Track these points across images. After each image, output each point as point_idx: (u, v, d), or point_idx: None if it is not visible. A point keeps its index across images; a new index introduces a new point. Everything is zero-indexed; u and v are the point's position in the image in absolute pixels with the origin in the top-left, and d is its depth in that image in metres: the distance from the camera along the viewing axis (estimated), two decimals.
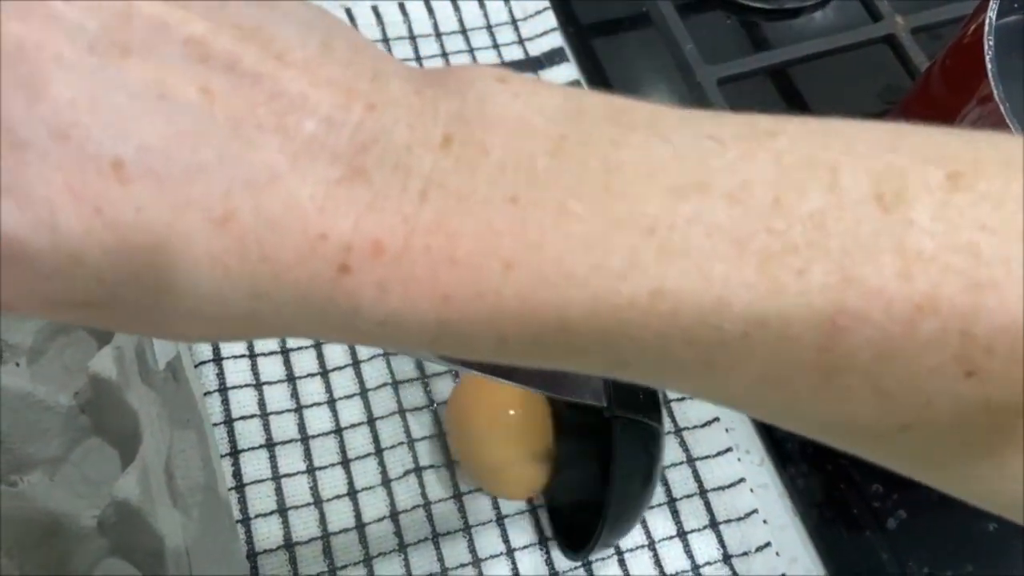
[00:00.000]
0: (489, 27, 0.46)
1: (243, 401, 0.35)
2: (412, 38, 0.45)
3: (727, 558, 0.34)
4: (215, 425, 0.34)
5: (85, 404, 0.34)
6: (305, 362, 0.37)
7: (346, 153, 0.14)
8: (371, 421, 0.36)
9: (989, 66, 0.28)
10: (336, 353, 0.37)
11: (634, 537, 0.34)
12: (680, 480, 0.36)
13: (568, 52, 0.46)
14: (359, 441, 0.35)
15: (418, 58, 0.45)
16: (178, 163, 0.13)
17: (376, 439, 0.35)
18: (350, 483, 0.34)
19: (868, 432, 0.14)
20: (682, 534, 0.35)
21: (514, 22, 0.47)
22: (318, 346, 0.37)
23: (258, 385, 0.36)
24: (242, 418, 0.35)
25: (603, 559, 0.34)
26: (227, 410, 0.35)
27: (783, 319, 0.13)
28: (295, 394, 0.36)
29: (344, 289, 0.14)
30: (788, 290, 0.13)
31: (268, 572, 0.32)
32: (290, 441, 0.35)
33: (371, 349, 0.37)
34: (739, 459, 0.37)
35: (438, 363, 0.26)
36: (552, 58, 0.45)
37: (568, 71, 0.45)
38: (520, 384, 0.28)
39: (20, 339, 0.34)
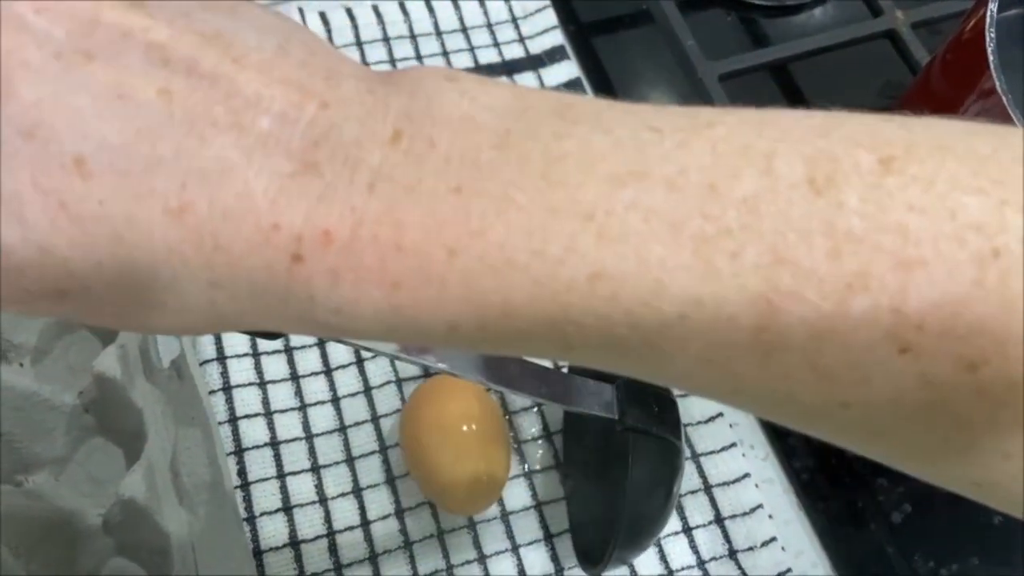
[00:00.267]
0: (489, 25, 0.46)
1: (247, 400, 0.35)
2: (413, 37, 0.46)
3: (732, 553, 0.34)
4: (220, 424, 0.34)
5: (89, 403, 0.34)
6: (309, 361, 0.37)
7: (299, 148, 0.14)
8: (375, 419, 0.36)
9: (991, 58, 0.28)
10: (340, 352, 0.37)
11: None
12: (685, 476, 0.36)
13: (569, 50, 0.46)
14: (363, 439, 0.35)
15: (419, 57, 0.45)
16: (136, 159, 0.14)
17: (380, 436, 0.35)
18: (355, 481, 0.34)
19: (811, 410, 0.15)
20: (687, 530, 0.35)
21: (514, 20, 0.47)
22: (321, 345, 0.37)
23: (262, 384, 0.36)
24: (246, 416, 0.35)
25: None
26: (231, 409, 0.35)
27: (719, 300, 0.14)
28: (299, 392, 0.36)
29: (298, 278, 0.14)
30: (723, 272, 0.14)
31: (274, 570, 0.32)
32: (294, 439, 0.35)
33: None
34: (743, 454, 0.37)
35: (437, 368, 0.26)
36: (553, 56, 0.46)
37: (569, 69, 0.45)
38: (528, 394, 0.28)
39: (24, 339, 0.34)
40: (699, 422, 0.37)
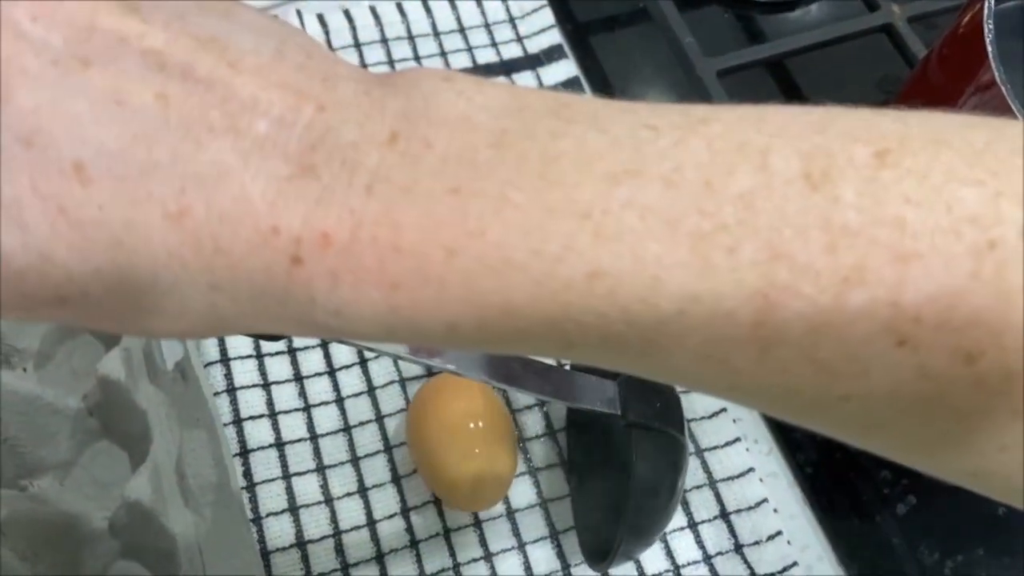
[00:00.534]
0: (487, 25, 0.46)
1: (251, 401, 0.35)
2: (411, 38, 0.46)
3: (738, 548, 0.34)
4: (225, 425, 0.34)
5: (93, 407, 0.34)
6: (312, 362, 0.37)
7: (296, 151, 0.14)
8: (379, 419, 0.36)
9: (990, 49, 0.28)
10: (343, 352, 0.37)
11: None
12: (689, 471, 0.36)
13: (567, 49, 0.46)
14: (368, 439, 0.35)
15: (417, 57, 0.45)
16: (134, 163, 0.14)
17: (385, 436, 0.35)
18: (360, 480, 0.34)
19: (810, 403, 0.15)
20: (693, 525, 0.35)
21: (512, 20, 0.47)
22: (324, 346, 0.37)
23: (266, 385, 0.36)
24: (251, 418, 0.35)
25: None
26: (236, 410, 0.35)
27: (716, 296, 0.14)
28: (303, 393, 0.36)
29: (298, 280, 0.14)
30: (720, 267, 0.14)
31: (281, 570, 0.32)
32: (299, 440, 0.35)
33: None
34: (747, 449, 0.37)
35: (442, 368, 0.26)
36: (551, 55, 0.46)
37: (567, 68, 0.45)
38: (530, 391, 0.28)
39: (27, 344, 0.34)
40: (702, 417, 0.37)
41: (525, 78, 0.45)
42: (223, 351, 0.36)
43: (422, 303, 0.14)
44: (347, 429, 0.35)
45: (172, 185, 0.14)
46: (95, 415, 0.34)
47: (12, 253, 0.14)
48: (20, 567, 0.29)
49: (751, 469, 0.36)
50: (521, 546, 0.34)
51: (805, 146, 0.14)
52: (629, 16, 0.49)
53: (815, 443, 0.37)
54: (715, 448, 0.36)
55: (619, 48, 0.49)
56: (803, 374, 0.14)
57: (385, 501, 0.34)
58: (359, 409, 0.36)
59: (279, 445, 0.34)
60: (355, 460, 0.35)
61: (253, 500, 0.33)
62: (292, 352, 0.37)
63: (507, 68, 0.45)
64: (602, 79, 0.47)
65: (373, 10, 0.46)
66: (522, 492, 0.35)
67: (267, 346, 0.37)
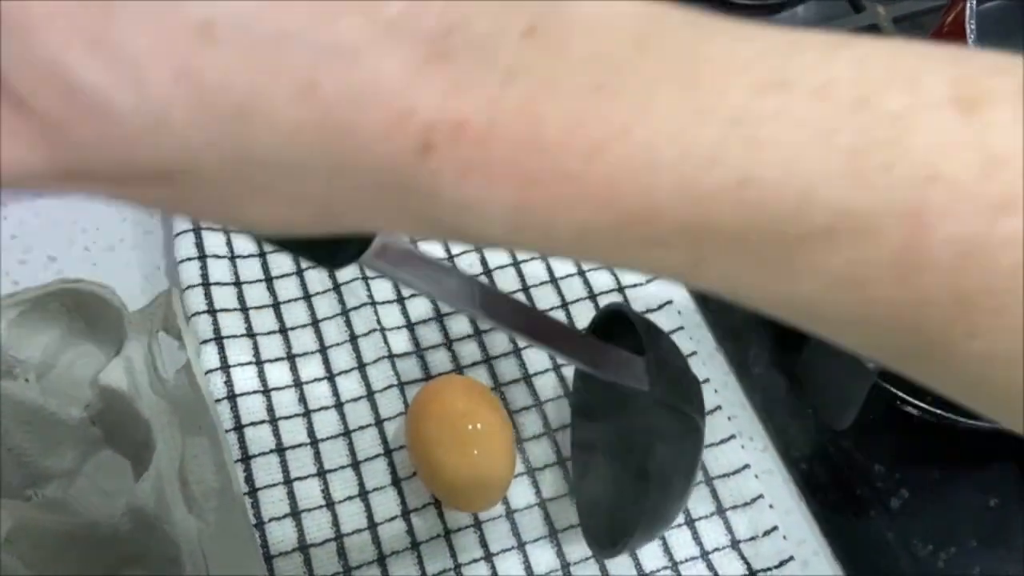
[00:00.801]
0: None
1: (252, 407, 0.35)
2: None
3: (735, 543, 0.35)
4: (226, 432, 0.35)
5: (96, 416, 0.35)
6: (312, 367, 0.37)
7: (429, 36, 0.14)
8: (379, 422, 0.36)
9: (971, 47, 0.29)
10: (342, 358, 0.37)
11: None
12: None
13: None
14: (368, 442, 0.36)
15: None
16: (266, 29, 0.13)
17: (384, 440, 0.36)
18: (361, 484, 0.35)
19: (931, 341, 0.14)
20: (690, 521, 0.35)
21: None
22: (324, 351, 0.37)
23: (266, 391, 0.36)
24: (252, 424, 0.35)
25: None
26: (237, 416, 0.35)
27: (868, 212, 0.13)
28: (303, 399, 0.36)
29: (426, 170, 0.14)
30: (875, 184, 0.13)
31: (284, 574, 0.32)
32: (300, 445, 0.35)
33: (376, 351, 0.37)
34: (743, 446, 0.37)
35: (480, 317, 0.24)
36: None
37: None
38: (563, 355, 0.27)
39: (29, 354, 0.34)
40: None
41: None
42: (223, 358, 0.36)
43: (557, 203, 0.14)
44: (347, 433, 0.36)
45: (303, 57, 0.13)
46: (98, 424, 0.35)
47: (125, 114, 0.13)
48: (26, 575, 0.30)
49: (747, 466, 0.36)
50: (521, 546, 0.34)
51: (953, 72, 0.14)
52: None
53: (809, 440, 0.38)
54: (711, 445, 0.37)
55: None
56: (941, 303, 0.14)
57: (386, 504, 0.34)
58: (359, 413, 0.36)
59: (280, 450, 0.35)
60: (355, 464, 0.35)
61: (255, 505, 0.34)
62: (292, 358, 0.37)
63: None
64: None
65: None
66: (521, 492, 0.35)
67: (267, 352, 0.37)
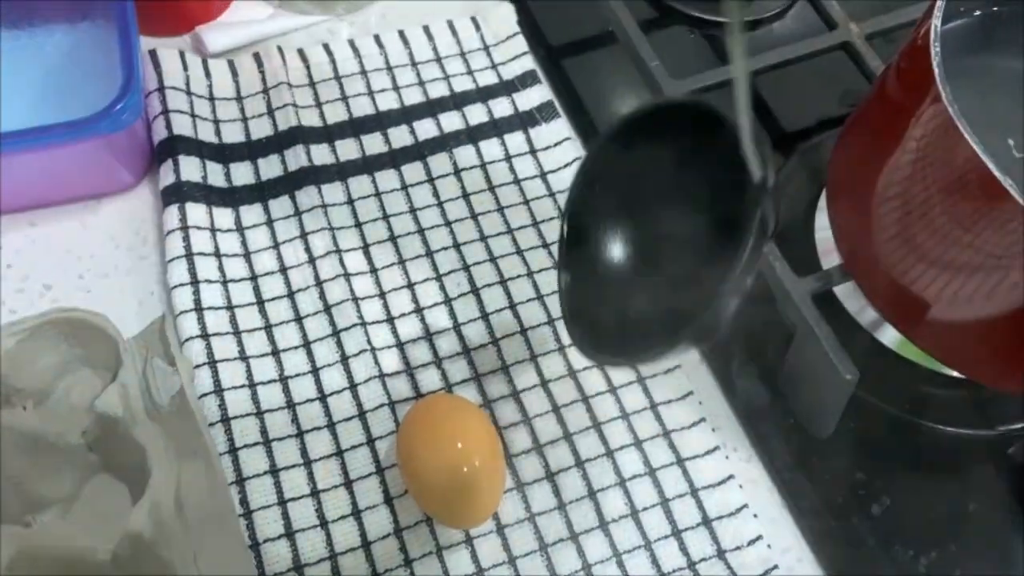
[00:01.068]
0: (463, 54, 0.48)
1: (246, 430, 0.36)
2: (389, 68, 0.47)
3: (721, 553, 0.36)
4: (220, 455, 0.35)
5: (93, 442, 0.35)
6: (304, 388, 0.38)
7: None
8: (371, 441, 0.37)
9: (937, 71, 0.30)
10: (335, 378, 0.38)
11: (631, 538, 0.36)
12: (672, 480, 0.37)
13: (540, 74, 0.48)
14: (360, 461, 0.36)
15: (396, 88, 0.46)
16: None
17: (376, 459, 0.36)
18: (354, 503, 0.35)
19: None
20: (676, 533, 0.36)
21: (486, 48, 0.48)
22: (316, 372, 0.38)
23: (259, 414, 0.37)
24: (246, 446, 0.36)
25: (602, 562, 0.35)
26: (231, 439, 0.36)
27: None
28: (295, 420, 0.37)
29: None
30: None
31: None
32: (293, 466, 0.36)
33: (367, 371, 0.38)
34: (727, 457, 0.38)
35: None
36: (525, 81, 0.47)
37: (541, 92, 0.47)
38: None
39: (27, 383, 0.35)
40: (683, 428, 0.38)
41: (502, 104, 0.46)
42: (217, 381, 0.37)
43: None
44: (340, 453, 0.37)
45: None
46: (95, 450, 0.35)
47: None
48: None
49: (731, 476, 0.37)
50: (512, 560, 0.35)
51: None
52: (599, 39, 0.51)
53: (792, 449, 0.39)
54: (695, 457, 0.38)
55: (591, 70, 0.50)
56: None
57: (379, 522, 0.35)
58: (351, 433, 0.37)
59: (274, 472, 0.36)
60: (348, 483, 0.36)
61: (250, 527, 0.34)
62: (284, 380, 0.38)
63: (484, 95, 0.47)
64: (576, 101, 0.48)
65: (352, 43, 0.47)
66: (511, 507, 0.36)
67: (259, 375, 0.38)
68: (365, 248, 0.42)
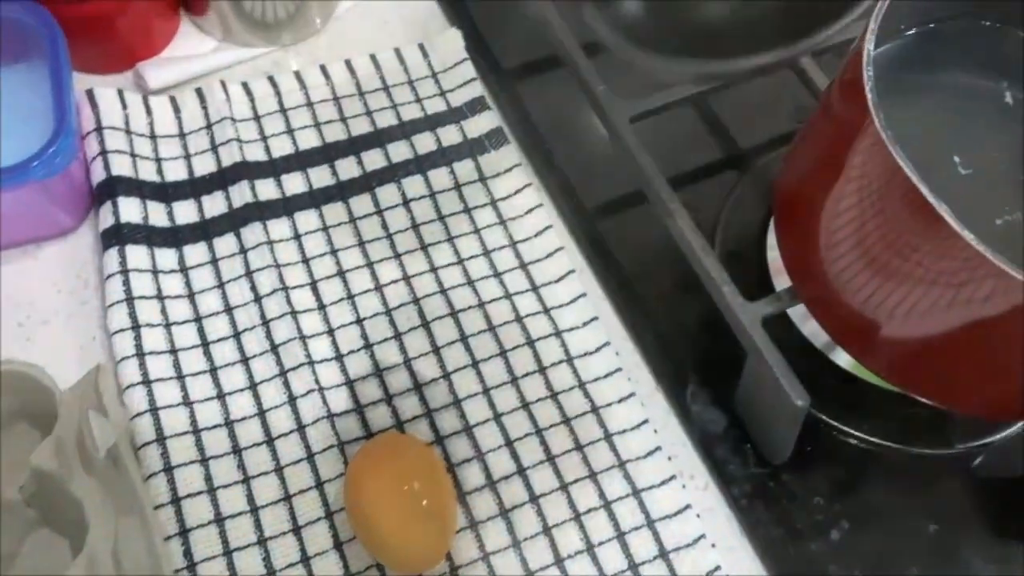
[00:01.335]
0: (411, 82, 0.47)
1: (189, 478, 0.35)
2: (336, 99, 0.46)
3: None
4: (163, 505, 0.35)
5: (30, 497, 0.34)
6: (251, 432, 0.37)
7: None
8: (319, 485, 0.36)
9: (869, 96, 0.29)
10: (282, 420, 0.37)
11: (587, 575, 0.35)
12: (627, 513, 0.36)
13: (489, 100, 0.47)
14: (309, 506, 0.36)
15: (343, 118, 0.46)
16: None
17: (326, 502, 0.36)
18: (302, 550, 0.35)
19: None
20: (633, 567, 0.35)
21: (434, 75, 0.48)
22: (263, 414, 0.37)
23: (203, 461, 0.36)
24: (189, 496, 0.35)
25: None
26: (173, 489, 0.35)
27: None
28: (242, 465, 0.36)
29: None
30: None
31: None
32: (240, 514, 0.35)
33: (315, 411, 0.37)
34: (684, 485, 0.37)
35: None
36: (473, 107, 0.47)
37: (490, 119, 0.46)
38: None
39: None
40: (638, 457, 0.38)
41: (450, 132, 0.46)
42: (159, 430, 0.36)
43: None
44: (287, 498, 0.36)
45: None
46: (33, 505, 0.34)
47: None
48: None
49: (688, 506, 0.37)
50: None
51: None
52: (550, 61, 0.50)
53: (749, 476, 0.38)
54: (651, 488, 0.37)
55: (545, 93, 0.50)
56: None
57: (328, 569, 0.34)
58: (299, 476, 0.36)
59: (219, 521, 0.35)
60: (297, 529, 0.35)
61: None
62: (229, 424, 0.37)
63: (432, 123, 0.46)
64: (530, 125, 0.48)
65: (297, 75, 0.47)
66: (465, 547, 0.35)
67: (204, 419, 0.37)
68: (313, 284, 0.41)
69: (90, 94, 0.43)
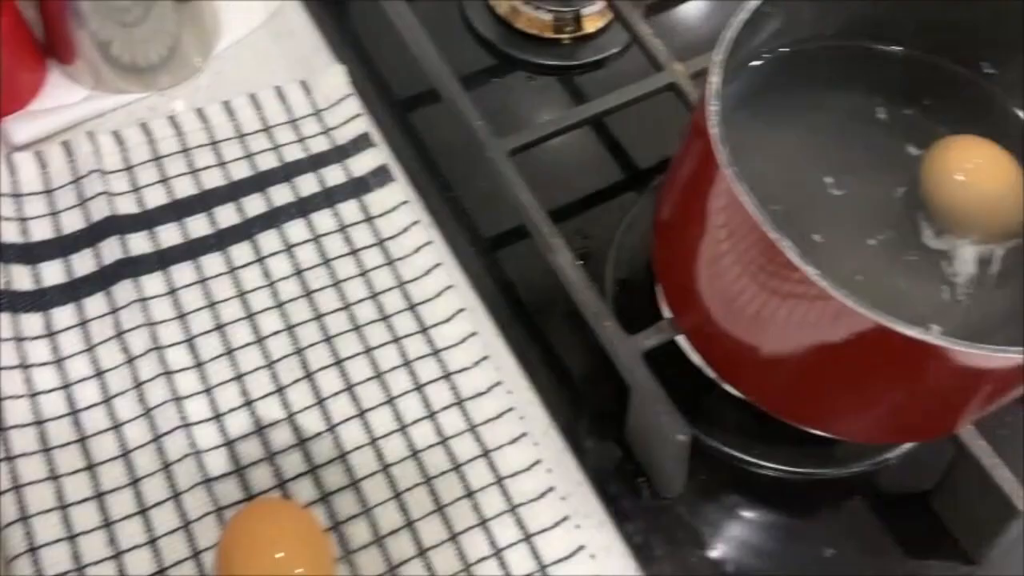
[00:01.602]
0: (293, 121, 0.46)
1: (56, 558, 0.34)
2: (214, 144, 0.45)
3: None
4: None
5: None
6: (121, 503, 0.35)
7: None
8: (196, 554, 0.35)
9: (713, 132, 0.29)
10: (155, 488, 0.36)
11: None
12: (519, 560, 0.35)
13: (378, 136, 0.46)
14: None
15: (222, 163, 0.44)
16: None
17: (202, 573, 0.34)
18: None
19: None
20: None
21: (317, 112, 0.46)
22: (135, 483, 0.36)
23: (71, 538, 0.34)
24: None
25: None
26: (39, 571, 0.33)
27: None
28: (113, 541, 0.35)
29: None
30: None
31: None
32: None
33: (191, 477, 0.36)
34: (577, 526, 0.37)
35: None
36: (358, 145, 0.45)
37: (375, 156, 0.45)
38: None
39: None
40: (530, 500, 0.37)
41: (334, 172, 0.45)
42: (22, 508, 0.34)
43: None
44: (162, 572, 0.34)
45: None
46: None
47: None
48: None
49: (581, 547, 0.36)
50: None
51: None
52: (436, 95, 0.49)
53: (643, 510, 0.37)
54: (544, 531, 0.36)
55: (438, 124, 0.49)
56: None
57: None
58: (174, 548, 0.35)
59: None
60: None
61: None
62: (100, 497, 0.35)
63: (316, 163, 0.45)
64: (424, 156, 0.47)
65: (172, 120, 0.45)
66: None
67: (71, 495, 0.35)
68: (189, 341, 0.39)
69: None
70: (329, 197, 0.44)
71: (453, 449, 0.38)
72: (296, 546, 0.32)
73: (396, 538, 0.36)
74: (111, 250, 0.41)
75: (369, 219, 0.44)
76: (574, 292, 0.38)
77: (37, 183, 0.42)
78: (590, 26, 0.51)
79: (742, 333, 0.32)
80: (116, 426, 0.37)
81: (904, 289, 0.35)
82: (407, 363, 0.40)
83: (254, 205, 0.43)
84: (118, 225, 0.41)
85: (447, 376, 0.40)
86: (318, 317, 0.41)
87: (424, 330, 0.41)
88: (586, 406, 0.40)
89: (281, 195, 0.44)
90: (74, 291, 0.40)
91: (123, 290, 0.40)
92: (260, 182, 0.44)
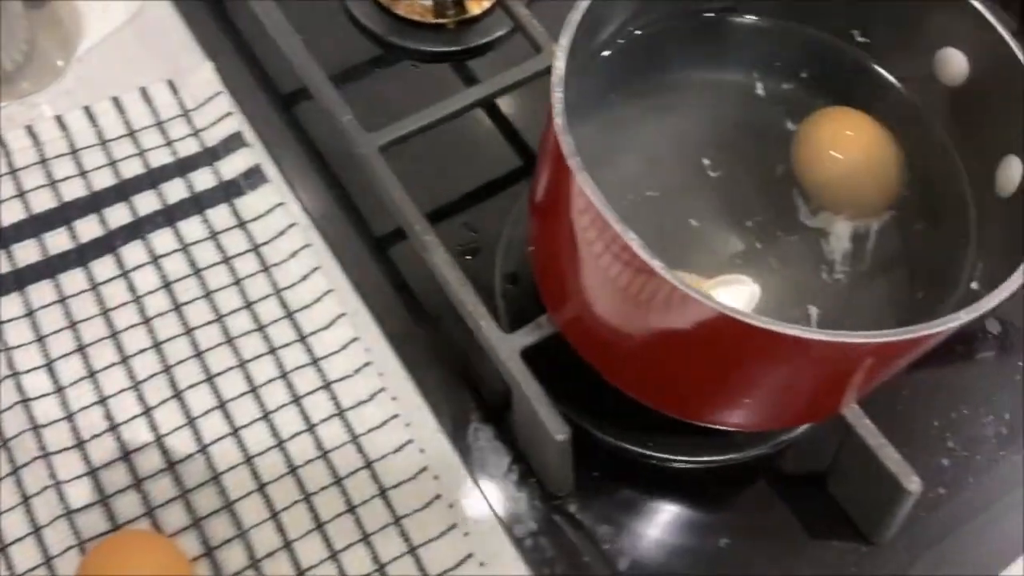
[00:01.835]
0: (159, 124, 0.44)
1: None
2: (74, 153, 0.42)
3: None
4: None
5: None
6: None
7: None
8: (48, 562, 0.33)
9: (557, 121, 0.27)
10: (15, 524, 0.34)
11: None
12: (404, 569, 0.34)
13: (247, 136, 0.44)
14: None
15: (83, 173, 0.42)
16: None
17: None
18: None
19: None
20: None
21: (186, 113, 0.44)
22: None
23: None
24: None
25: None
26: None
27: None
28: None
29: None
30: None
31: None
32: None
33: (51, 510, 0.34)
34: (466, 533, 0.35)
35: None
36: (229, 145, 0.43)
37: (247, 157, 0.43)
38: None
39: None
40: (415, 510, 0.35)
41: (203, 176, 0.42)
42: None
43: None
44: None
45: None
46: None
47: None
48: None
49: (470, 555, 0.35)
50: None
51: None
52: (333, 79, 0.47)
53: (535, 512, 0.36)
54: (430, 541, 0.35)
55: (318, 123, 0.46)
56: None
57: None
58: None
59: None
60: None
61: None
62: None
63: (182, 168, 0.42)
64: (301, 159, 0.45)
65: (29, 128, 0.43)
66: None
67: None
68: (48, 365, 0.37)
69: None
70: (198, 203, 0.42)
71: (334, 462, 0.36)
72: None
73: (274, 560, 0.34)
74: None
75: (242, 224, 0.41)
76: (450, 291, 0.36)
77: None
78: (475, 8, 0.49)
79: (611, 328, 0.31)
80: None
81: (783, 270, 0.34)
82: (284, 375, 0.38)
83: (117, 215, 0.41)
84: None
85: (327, 385, 0.38)
86: (188, 332, 0.39)
87: (303, 338, 0.39)
88: (474, 408, 0.39)
89: (146, 203, 0.41)
90: None
91: None
92: (124, 190, 0.42)
